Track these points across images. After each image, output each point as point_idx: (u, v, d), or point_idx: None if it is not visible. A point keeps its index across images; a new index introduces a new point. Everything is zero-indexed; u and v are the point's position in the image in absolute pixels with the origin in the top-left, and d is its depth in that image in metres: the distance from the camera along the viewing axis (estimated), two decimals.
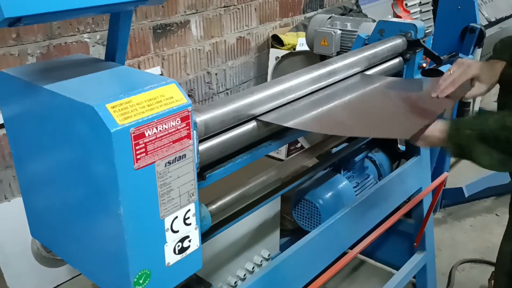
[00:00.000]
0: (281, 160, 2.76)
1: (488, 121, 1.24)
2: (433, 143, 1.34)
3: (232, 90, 3.15)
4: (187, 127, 0.92)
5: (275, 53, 3.08)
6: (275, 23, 3.34)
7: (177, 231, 0.97)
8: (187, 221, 0.99)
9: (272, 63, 3.11)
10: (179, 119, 0.90)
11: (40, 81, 0.91)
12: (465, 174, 3.25)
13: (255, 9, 3.15)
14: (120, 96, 0.84)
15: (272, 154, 2.62)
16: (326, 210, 1.75)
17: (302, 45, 2.96)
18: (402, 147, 1.84)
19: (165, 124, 0.87)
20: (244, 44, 3.16)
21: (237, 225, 1.41)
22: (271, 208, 1.95)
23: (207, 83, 2.98)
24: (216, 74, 3.02)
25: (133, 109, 0.84)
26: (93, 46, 2.40)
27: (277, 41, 3.18)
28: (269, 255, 1.91)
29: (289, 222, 2.53)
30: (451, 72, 1.46)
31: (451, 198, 3.00)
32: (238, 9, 3.03)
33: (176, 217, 0.96)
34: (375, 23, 1.98)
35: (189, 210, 0.98)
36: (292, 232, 2.34)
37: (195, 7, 2.76)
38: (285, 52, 2.97)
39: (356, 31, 2.26)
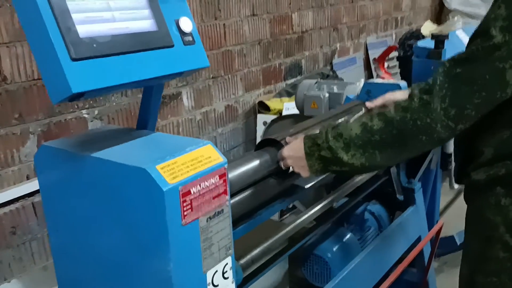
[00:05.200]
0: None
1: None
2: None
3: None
4: (224, 184, 0.99)
5: (262, 118, 3.23)
6: (260, 91, 3.52)
7: (217, 285, 1.01)
8: (225, 275, 1.03)
9: (260, 127, 3.25)
10: (217, 176, 0.97)
11: (85, 151, 0.98)
12: (454, 223, 3.34)
13: (240, 78, 3.33)
14: (167, 158, 0.91)
15: None
16: (335, 264, 1.79)
17: (288, 109, 3.12)
18: (400, 197, 1.94)
19: (207, 181, 0.95)
20: (232, 111, 3.30)
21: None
22: (280, 268, 1.99)
23: None
24: None
25: (179, 169, 0.91)
26: (91, 121, 2.48)
27: (262, 106, 3.35)
28: None
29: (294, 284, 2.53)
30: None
31: (444, 247, 3.06)
32: (225, 79, 3.20)
33: (216, 271, 1.01)
34: (358, 85, 2.16)
35: (226, 263, 1.03)
36: None
37: (185, 80, 2.91)
38: (272, 117, 3.11)
39: (342, 93, 2.43)
